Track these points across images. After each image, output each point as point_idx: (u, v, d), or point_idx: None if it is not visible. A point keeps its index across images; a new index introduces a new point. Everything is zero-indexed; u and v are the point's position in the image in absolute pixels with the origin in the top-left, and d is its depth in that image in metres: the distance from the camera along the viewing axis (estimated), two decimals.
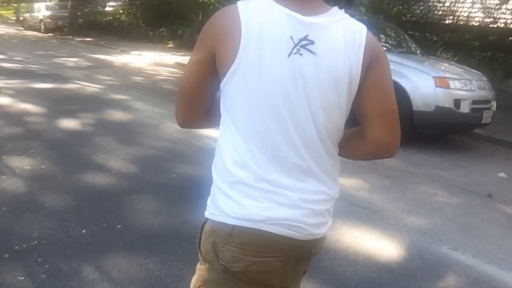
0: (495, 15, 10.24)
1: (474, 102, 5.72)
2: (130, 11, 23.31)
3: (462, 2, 10.85)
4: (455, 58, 9.46)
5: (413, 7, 11.48)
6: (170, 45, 16.89)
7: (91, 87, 7.93)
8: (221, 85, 1.15)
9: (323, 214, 1.20)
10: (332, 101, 1.14)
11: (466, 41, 10.11)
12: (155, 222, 3.25)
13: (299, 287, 1.35)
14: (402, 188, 4.40)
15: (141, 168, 4.30)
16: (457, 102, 5.58)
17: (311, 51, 1.10)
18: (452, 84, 5.62)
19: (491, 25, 10.09)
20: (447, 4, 11.17)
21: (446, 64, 6.47)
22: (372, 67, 1.15)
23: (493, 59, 9.48)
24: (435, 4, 11.43)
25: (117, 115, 6.17)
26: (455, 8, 10.94)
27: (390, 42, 6.95)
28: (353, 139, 1.25)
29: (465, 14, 10.79)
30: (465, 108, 5.63)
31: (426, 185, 4.56)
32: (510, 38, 9.68)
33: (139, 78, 9.53)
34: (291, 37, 1.10)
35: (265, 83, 1.10)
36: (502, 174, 5.15)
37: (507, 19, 10.11)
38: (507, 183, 4.90)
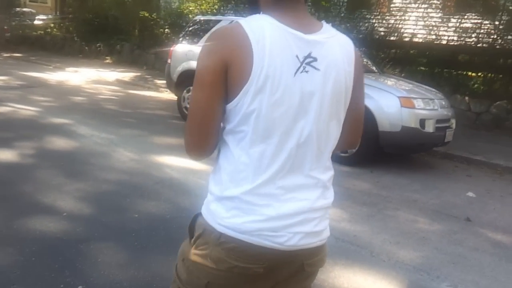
0: (437, 32, 10.54)
1: (438, 121, 5.68)
2: (62, 25, 22.09)
3: (406, 20, 11.10)
4: (402, 75, 9.60)
5: (359, 24, 11.60)
6: (108, 60, 16.05)
7: (27, 110, 7.14)
8: (231, 104, 1.15)
9: (314, 225, 1.22)
10: (335, 113, 1.21)
11: (412, 58, 10.33)
12: (123, 278, 2.75)
13: None
14: (382, 216, 4.17)
15: (96, 208, 3.75)
16: (422, 122, 5.51)
17: (315, 68, 1.16)
18: (416, 104, 5.54)
19: (435, 42, 10.36)
20: (391, 21, 11.38)
21: (407, 83, 6.42)
22: (357, 80, 1.26)
23: (440, 75, 9.72)
24: (379, 21, 11.63)
25: (60, 143, 5.51)
26: (399, 25, 11.17)
27: None
28: None
29: (410, 31, 11.04)
30: (429, 127, 5.57)
31: (404, 210, 4.37)
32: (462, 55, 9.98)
33: (79, 98, 8.80)
34: (297, 56, 1.14)
35: (276, 102, 1.13)
36: (470, 194, 5.10)
37: (449, 36, 10.44)
38: (478, 203, 4.84)
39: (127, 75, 12.89)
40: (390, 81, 6.34)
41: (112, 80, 12.06)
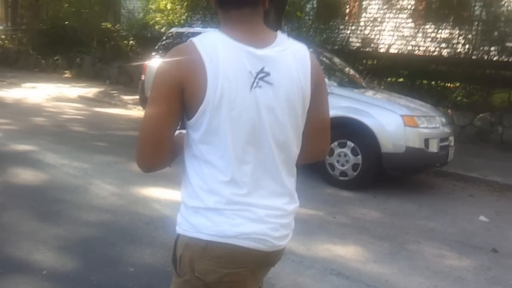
0: (415, 43, 10.40)
1: (441, 140, 5.36)
2: (14, 36, 20.79)
3: (382, 30, 10.92)
4: (381, 87, 9.37)
5: (334, 35, 11.34)
6: (67, 75, 15.11)
7: None
8: (191, 121, 1.22)
9: (285, 228, 1.32)
10: (291, 125, 1.27)
11: (391, 69, 10.12)
12: None
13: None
14: (406, 252, 3.75)
15: (82, 261, 3.13)
16: (426, 142, 5.17)
17: (268, 82, 1.22)
18: (420, 122, 5.20)
19: (413, 52, 10.22)
20: (366, 31, 11.19)
21: (401, 99, 6.10)
22: (316, 88, 1.31)
23: (420, 87, 9.55)
24: (354, 32, 11.42)
25: (26, 176, 4.79)
26: (374, 36, 10.99)
27: (339, 76, 6.45)
28: None
29: (385, 42, 10.87)
30: (433, 147, 5.24)
31: (426, 243, 3.97)
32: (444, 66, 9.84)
33: (41, 119, 8.00)
34: (250, 72, 1.20)
35: (234, 117, 1.19)
36: (483, 218, 4.78)
37: (426, 46, 10.33)
38: (495, 229, 4.53)
39: (90, 90, 12.07)
40: (386, 97, 5.99)
41: (74, 97, 11.23)
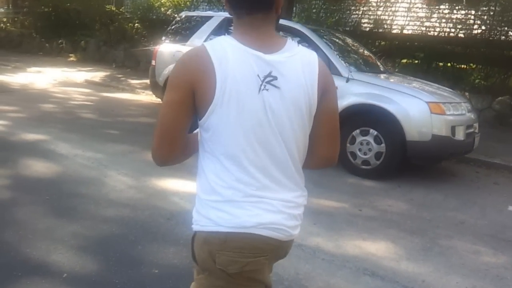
0: (427, 24, 10.09)
1: (467, 127, 5.15)
2: (16, 19, 20.45)
3: (394, 11, 10.60)
4: (396, 70, 9.11)
5: (345, 17, 11.02)
6: (72, 58, 14.88)
7: None
8: (201, 120, 1.30)
9: (297, 218, 1.40)
10: (298, 126, 1.33)
11: (405, 51, 9.84)
12: None
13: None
14: (439, 248, 3.58)
15: (103, 262, 2.97)
16: (453, 129, 4.96)
17: (275, 86, 1.28)
18: (446, 109, 4.98)
19: (427, 33, 9.91)
20: (378, 12, 10.86)
21: (425, 85, 5.86)
22: (324, 94, 1.35)
23: (436, 69, 9.28)
24: (366, 13, 11.09)
25: (39, 168, 4.63)
26: (386, 17, 10.66)
27: (357, 60, 6.20)
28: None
29: (398, 23, 10.55)
30: (460, 135, 5.04)
31: (458, 238, 3.81)
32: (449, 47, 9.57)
33: (50, 105, 7.81)
34: (258, 75, 1.26)
35: (242, 118, 1.26)
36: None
37: (440, 27, 10.01)
38: None
39: (96, 74, 11.86)
40: (407, 83, 5.75)
41: (81, 81, 11.01)
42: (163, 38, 7.18)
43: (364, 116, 5.18)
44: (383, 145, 5.03)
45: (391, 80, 5.65)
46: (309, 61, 1.33)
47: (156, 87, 7.00)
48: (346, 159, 5.25)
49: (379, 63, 6.62)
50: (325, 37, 5.99)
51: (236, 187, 1.30)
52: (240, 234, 1.28)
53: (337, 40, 6.33)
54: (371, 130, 5.09)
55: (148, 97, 9.56)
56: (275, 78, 1.27)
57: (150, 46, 13.05)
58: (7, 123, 6.24)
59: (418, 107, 4.94)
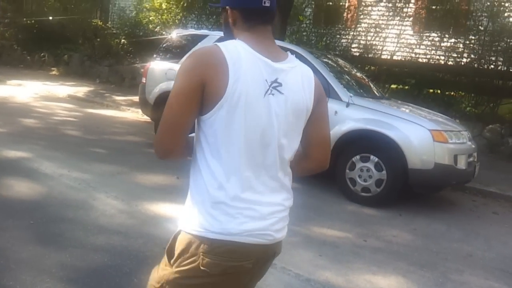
0: (417, 50, 10.16)
1: (469, 156, 5.06)
2: None
3: (385, 37, 10.65)
4: (386, 95, 9.07)
5: (334, 40, 11.02)
6: (54, 72, 14.48)
7: None
8: (205, 116, 1.33)
9: (284, 220, 1.46)
10: (294, 130, 1.44)
11: (394, 76, 9.85)
12: None
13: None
14: (452, 284, 3.41)
15: None
16: (455, 158, 4.85)
17: (280, 92, 1.37)
18: (448, 137, 4.88)
19: (418, 60, 9.97)
20: (368, 38, 10.90)
21: (425, 112, 5.78)
22: (319, 103, 1.47)
23: (427, 95, 9.28)
24: (356, 37, 11.12)
25: (22, 189, 4.30)
26: (376, 43, 10.71)
27: (354, 85, 6.08)
28: (297, 159, 1.51)
29: (389, 49, 10.60)
30: (462, 163, 4.93)
31: (469, 272, 3.64)
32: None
33: (31, 120, 7.46)
34: (266, 80, 1.35)
35: (248, 118, 1.32)
36: None
37: (430, 54, 10.09)
38: None
39: (80, 89, 11.52)
40: (408, 109, 5.64)
41: (63, 96, 10.67)
42: (154, 55, 6.95)
43: (365, 142, 5.04)
44: (384, 172, 4.88)
45: (392, 106, 5.54)
46: (307, 75, 1.45)
47: (146, 105, 6.75)
48: (345, 185, 5.08)
49: (373, 88, 6.53)
50: (322, 60, 5.87)
51: (228, 187, 1.34)
52: (225, 241, 1.32)
53: (333, 64, 6.23)
54: (372, 157, 4.94)
55: (133, 115, 9.30)
56: (280, 84, 1.36)
57: (136, 62, 12.84)
58: None
59: (421, 134, 4.83)
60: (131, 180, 4.96)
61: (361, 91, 5.94)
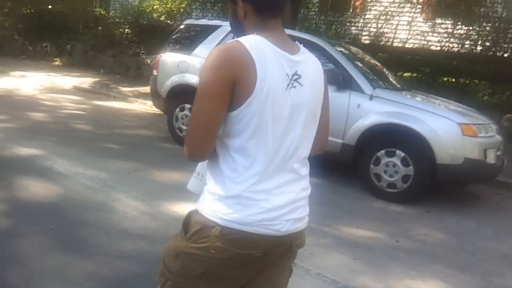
0: (431, 38, 9.93)
1: (497, 149, 4.88)
2: None
3: (397, 25, 10.40)
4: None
5: (344, 28, 10.78)
6: (57, 62, 14.21)
7: None
8: (234, 112, 1.33)
9: (299, 212, 1.44)
10: (312, 121, 1.47)
11: (407, 64, 9.63)
12: None
13: (286, 282, 1.56)
14: None
15: None
16: (484, 152, 4.68)
17: (300, 84, 1.39)
18: (478, 131, 4.70)
19: (430, 48, 9.74)
20: (378, 25, 10.65)
21: (451, 104, 5.58)
22: (324, 92, 1.52)
23: (442, 84, 9.07)
24: (366, 24, 10.87)
25: (38, 190, 4.13)
26: (388, 30, 10.47)
27: (377, 76, 5.85)
28: None
29: (400, 36, 10.36)
30: (491, 158, 4.76)
31: (510, 274, 3.49)
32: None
33: (39, 114, 7.26)
34: (287, 74, 1.37)
35: (275, 112, 1.35)
36: None
37: (444, 41, 9.86)
38: None
39: (84, 80, 11.30)
40: (432, 101, 5.44)
41: (69, 88, 10.46)
42: (165, 47, 6.72)
43: (390, 136, 4.86)
44: (411, 167, 4.70)
45: (416, 98, 5.34)
46: (317, 64, 1.48)
47: (158, 98, 6.55)
48: (370, 181, 4.92)
49: (393, 78, 6.32)
50: (341, 50, 5.65)
51: (247, 180, 1.35)
52: (235, 229, 1.34)
53: (351, 54, 6.00)
54: (398, 151, 4.77)
55: (141, 106, 9.11)
56: (300, 76, 1.39)
57: (141, 52, 12.60)
58: None
59: (449, 128, 4.65)
60: (149, 178, 4.79)
61: (382, 82, 5.73)
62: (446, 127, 4.67)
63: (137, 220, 3.71)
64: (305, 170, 1.48)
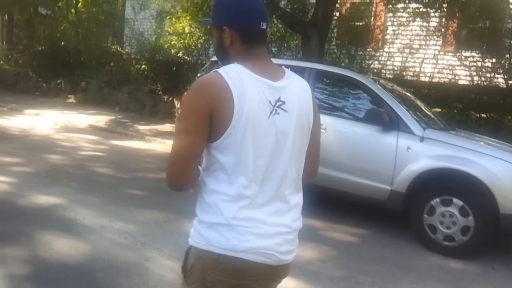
0: (458, 72, 9.60)
1: None
2: (10, 57, 19.70)
3: (422, 59, 10.11)
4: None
5: (369, 63, 10.51)
6: (72, 99, 14.03)
7: None
8: (215, 143, 1.37)
9: (290, 243, 1.46)
10: (301, 145, 1.48)
11: (437, 100, 9.26)
12: None
13: None
14: None
15: None
16: None
17: (284, 110, 1.41)
18: None
19: (459, 82, 9.40)
20: (402, 59, 10.37)
21: (501, 144, 5.15)
22: (314, 116, 1.52)
23: (473, 119, 8.66)
24: (390, 59, 10.60)
25: (60, 246, 3.70)
26: (414, 64, 10.17)
27: (423, 115, 5.43)
28: None
29: (427, 70, 10.05)
30: None
31: None
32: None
33: (57, 156, 6.90)
34: (270, 101, 1.39)
35: (256, 141, 1.36)
36: None
37: (471, 75, 9.52)
38: None
39: (100, 118, 11.03)
40: (489, 144, 4.99)
41: (84, 126, 10.16)
42: (191, 84, 6.41)
43: (446, 183, 4.42)
44: (470, 218, 4.23)
45: (469, 139, 4.92)
46: (305, 88, 1.49)
47: None
48: (424, 233, 4.44)
49: (436, 117, 5.91)
50: (384, 87, 5.27)
51: (233, 208, 1.36)
52: (230, 257, 1.35)
53: (393, 91, 5.62)
54: (455, 200, 4.31)
55: (160, 146, 8.76)
56: (284, 102, 1.41)
57: (157, 89, 12.36)
58: (12, 181, 5.32)
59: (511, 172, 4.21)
60: (181, 231, 4.33)
61: (429, 121, 5.32)
62: (508, 172, 4.23)
63: (176, 285, 3.26)
64: (296, 199, 1.48)
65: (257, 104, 1.34)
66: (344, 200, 5.15)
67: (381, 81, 5.59)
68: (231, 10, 1.44)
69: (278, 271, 1.44)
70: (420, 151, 4.55)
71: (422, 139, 4.59)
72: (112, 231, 4.12)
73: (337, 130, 4.95)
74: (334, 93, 5.47)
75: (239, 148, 1.34)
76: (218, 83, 1.33)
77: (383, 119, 4.70)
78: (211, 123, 1.33)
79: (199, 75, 6.55)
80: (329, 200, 5.33)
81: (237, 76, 1.34)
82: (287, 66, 4.88)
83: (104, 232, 4.08)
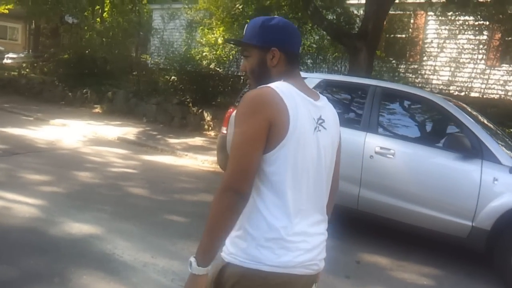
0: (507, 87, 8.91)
1: None
2: (35, 65, 19.58)
3: (471, 73, 9.45)
4: None
5: (414, 77, 9.88)
6: (98, 109, 13.67)
7: (22, 204, 4.73)
8: (268, 154, 1.40)
9: (324, 250, 1.54)
10: (333, 162, 1.57)
11: (493, 117, 8.57)
12: None
13: None
14: None
15: None
16: None
17: (324, 127, 1.50)
18: None
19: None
20: (448, 73, 9.72)
21: None
22: (340, 139, 1.63)
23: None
24: (435, 74, 9.96)
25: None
26: (463, 79, 9.51)
27: (505, 141, 4.77)
28: None
29: (476, 86, 9.38)
30: None
31: None
32: None
33: (87, 174, 6.42)
34: (314, 118, 1.47)
35: (305, 155, 1.43)
36: None
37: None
38: None
39: (128, 130, 10.60)
40: None
41: (113, 139, 9.73)
42: (237, 100, 5.90)
43: None
44: None
45: None
46: (334, 111, 1.59)
47: (227, 157, 5.63)
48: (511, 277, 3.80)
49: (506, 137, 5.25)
50: (461, 109, 4.65)
51: (286, 223, 1.39)
52: (281, 273, 1.37)
53: (470, 113, 4.91)
54: None
55: (193, 162, 8.26)
56: (324, 121, 1.50)
57: (186, 100, 11.92)
58: (42, 203, 4.83)
59: None
60: None
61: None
62: None
63: None
64: (327, 209, 1.58)
65: (306, 119, 1.42)
66: (412, 234, 4.54)
67: (454, 101, 4.95)
68: (281, 32, 1.51)
69: (314, 279, 1.51)
70: (510, 183, 3.93)
71: (511, 170, 3.96)
72: (156, 270, 3.58)
73: (407, 156, 4.35)
74: (402, 115, 4.87)
75: (290, 161, 1.39)
76: (275, 97, 1.38)
77: (464, 145, 4.09)
78: (267, 135, 1.37)
79: (245, 90, 6.03)
80: (391, 233, 4.72)
81: (288, 92, 1.41)
82: (345, 83, 4.30)
83: (148, 272, 3.53)
